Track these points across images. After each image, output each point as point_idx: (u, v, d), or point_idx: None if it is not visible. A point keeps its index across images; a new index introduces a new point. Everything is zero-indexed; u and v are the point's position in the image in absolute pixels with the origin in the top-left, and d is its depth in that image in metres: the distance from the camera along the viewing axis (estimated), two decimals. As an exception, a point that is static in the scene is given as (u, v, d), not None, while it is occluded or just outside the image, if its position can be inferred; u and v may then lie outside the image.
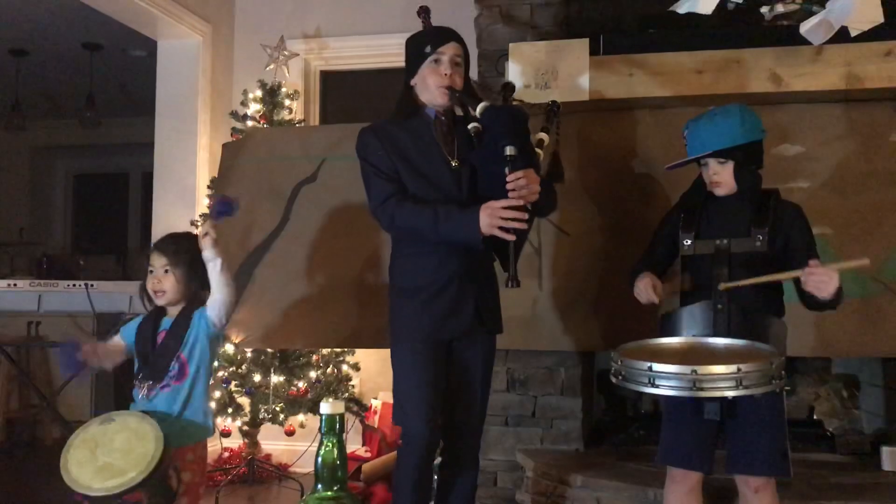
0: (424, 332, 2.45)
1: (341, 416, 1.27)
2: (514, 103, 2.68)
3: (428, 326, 2.45)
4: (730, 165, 2.43)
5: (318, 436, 1.30)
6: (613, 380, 2.16)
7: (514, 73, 3.18)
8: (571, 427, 3.36)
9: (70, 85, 6.33)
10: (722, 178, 2.44)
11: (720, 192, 2.47)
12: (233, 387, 4.29)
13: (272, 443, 4.57)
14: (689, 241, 2.47)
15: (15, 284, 4.42)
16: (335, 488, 1.27)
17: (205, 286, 2.55)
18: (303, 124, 4.64)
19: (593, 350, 3.44)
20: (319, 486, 1.27)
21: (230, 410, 4.30)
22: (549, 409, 3.38)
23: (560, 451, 3.33)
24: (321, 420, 1.26)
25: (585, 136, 3.34)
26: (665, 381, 2.01)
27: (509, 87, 2.70)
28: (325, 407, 1.26)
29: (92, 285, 4.20)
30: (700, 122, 2.48)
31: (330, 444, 1.26)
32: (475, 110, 2.43)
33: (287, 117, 4.52)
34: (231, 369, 4.30)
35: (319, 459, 1.27)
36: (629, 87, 3.15)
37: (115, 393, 5.68)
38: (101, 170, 8.21)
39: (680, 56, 3.12)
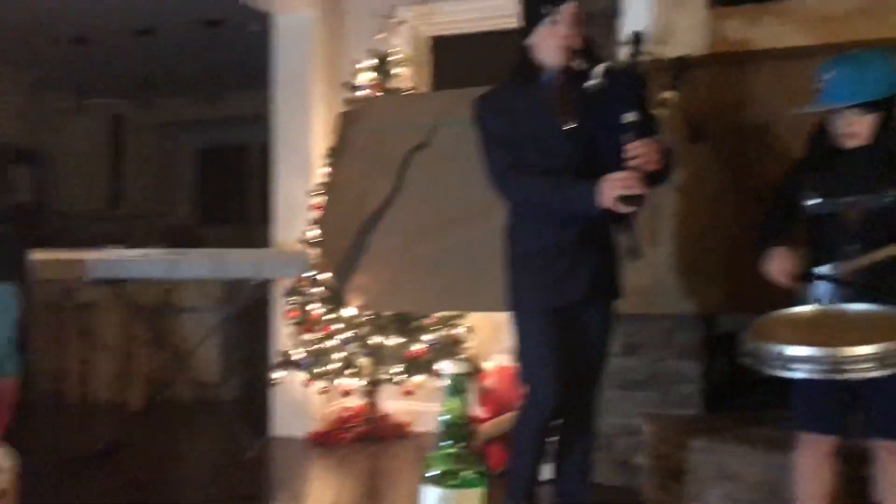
0: (543, 297, 2.46)
1: (465, 375, 1.30)
2: (643, 56, 2.55)
3: (546, 292, 2.45)
4: (871, 117, 2.27)
5: (441, 395, 1.33)
6: (745, 362, 2.09)
7: (630, 28, 3.09)
8: (690, 391, 3.30)
9: (192, 62, 6.60)
10: (858, 129, 2.28)
11: (852, 143, 2.32)
12: (352, 348, 4.42)
13: (391, 403, 4.70)
14: (815, 200, 2.35)
15: (148, 254, 4.68)
16: (459, 446, 1.29)
17: None
18: (414, 92, 4.67)
19: (714, 313, 3.36)
20: (444, 443, 1.30)
21: (350, 371, 4.44)
22: (668, 373, 3.33)
23: (679, 415, 3.28)
24: (445, 380, 1.28)
25: (704, 90, 3.22)
26: (801, 364, 1.92)
27: (638, 38, 2.53)
28: (449, 366, 1.28)
29: (219, 253, 4.41)
30: (846, 66, 2.28)
31: (454, 403, 1.29)
32: (594, 72, 2.38)
33: (398, 85, 4.57)
34: (351, 332, 4.43)
35: (443, 418, 1.30)
36: (750, 37, 3.02)
37: (245, 353, 5.98)
38: (221, 143, 8.56)
39: (805, 2, 2.96)
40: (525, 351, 2.49)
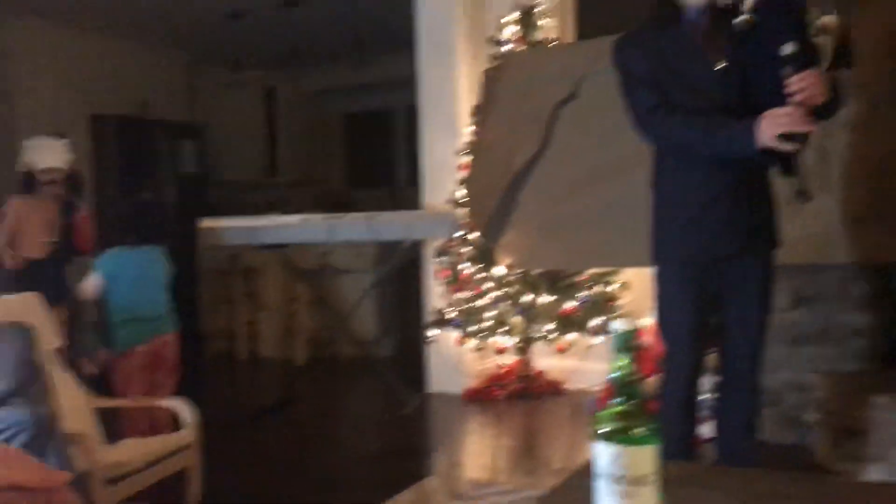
0: (691, 251, 2.35)
1: (634, 331, 1.28)
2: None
3: (695, 245, 2.35)
4: None
5: (610, 352, 1.31)
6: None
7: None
8: (865, 345, 3.10)
9: (337, 30, 6.75)
10: None
11: None
12: (505, 306, 4.45)
13: (545, 360, 4.71)
14: None
15: (308, 219, 4.89)
16: (630, 403, 1.28)
17: None
18: (559, 43, 4.58)
19: (893, 261, 3.12)
20: (615, 400, 1.29)
21: (504, 329, 4.47)
22: (841, 327, 3.14)
23: (855, 371, 3.09)
24: (615, 336, 1.27)
25: (875, 11, 2.96)
26: None
27: None
28: (619, 324, 1.27)
29: (372, 217, 4.54)
30: None
31: (624, 360, 1.27)
32: (744, 6, 2.23)
33: (543, 37, 4.49)
34: (502, 290, 4.45)
35: (614, 375, 1.29)
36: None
37: (398, 315, 6.17)
38: (368, 108, 8.75)
39: None
40: (663, 310, 2.40)
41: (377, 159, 8.59)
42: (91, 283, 3.35)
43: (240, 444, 3.99)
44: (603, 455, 1.23)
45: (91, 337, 3.49)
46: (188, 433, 2.87)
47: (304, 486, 3.36)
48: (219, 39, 7.07)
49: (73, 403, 2.79)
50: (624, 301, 4.48)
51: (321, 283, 5.95)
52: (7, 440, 1.92)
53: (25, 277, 4.13)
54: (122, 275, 3.35)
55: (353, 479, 3.46)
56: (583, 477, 1.37)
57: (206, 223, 4.86)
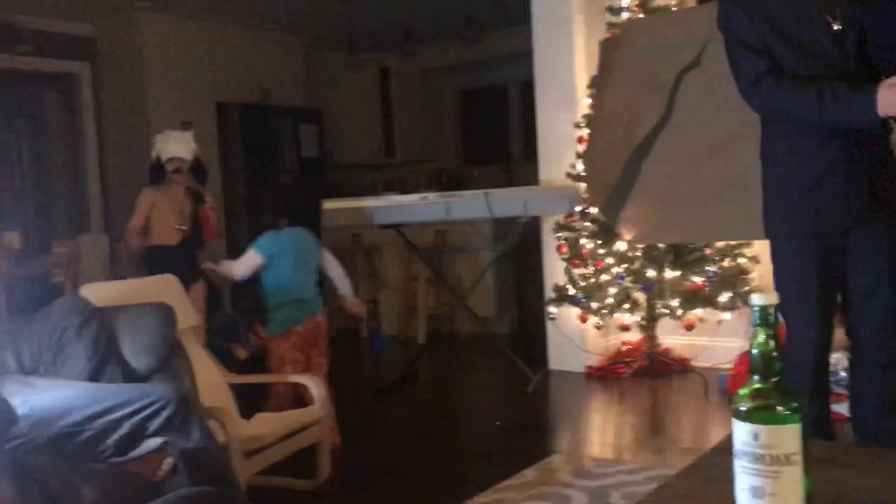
0: (807, 224, 2.23)
1: (775, 307, 1.22)
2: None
3: (810, 219, 2.22)
4: None
5: (749, 328, 1.26)
6: None
7: None
8: None
9: (450, 7, 6.76)
10: None
11: None
12: (627, 282, 4.37)
13: (671, 337, 4.60)
14: None
15: (427, 197, 4.94)
16: (771, 380, 1.23)
17: None
18: (680, 8, 4.42)
19: None
20: (755, 377, 1.24)
21: (627, 306, 4.40)
22: None
23: None
24: (754, 311, 1.22)
25: None
26: None
27: None
28: (758, 298, 1.21)
29: (489, 193, 4.53)
30: None
31: (764, 336, 1.22)
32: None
33: (663, 3, 4.34)
34: (625, 266, 4.38)
35: (754, 351, 1.24)
36: None
37: (516, 292, 6.17)
38: (482, 84, 8.74)
39: None
40: (783, 288, 2.26)
41: (492, 135, 8.57)
42: (246, 263, 3.40)
43: (368, 419, 4.10)
44: (743, 433, 1.19)
45: (246, 318, 3.61)
46: (319, 408, 2.98)
47: (432, 459, 3.42)
48: (334, 23, 7.21)
49: (211, 379, 2.94)
50: (755, 275, 4.31)
51: (440, 262, 6.02)
52: (154, 413, 2.04)
53: (160, 262, 4.38)
54: (282, 256, 3.39)
55: (479, 453, 3.49)
56: (721, 455, 1.33)
57: (328, 205, 4.98)
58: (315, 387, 3.00)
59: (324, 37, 7.92)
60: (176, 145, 4.50)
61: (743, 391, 1.23)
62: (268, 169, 7.47)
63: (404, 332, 6.29)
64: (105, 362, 2.32)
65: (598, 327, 4.58)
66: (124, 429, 2.01)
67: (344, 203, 5.24)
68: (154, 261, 4.38)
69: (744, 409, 1.20)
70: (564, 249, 4.60)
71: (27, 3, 6.17)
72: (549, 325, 4.78)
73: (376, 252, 6.54)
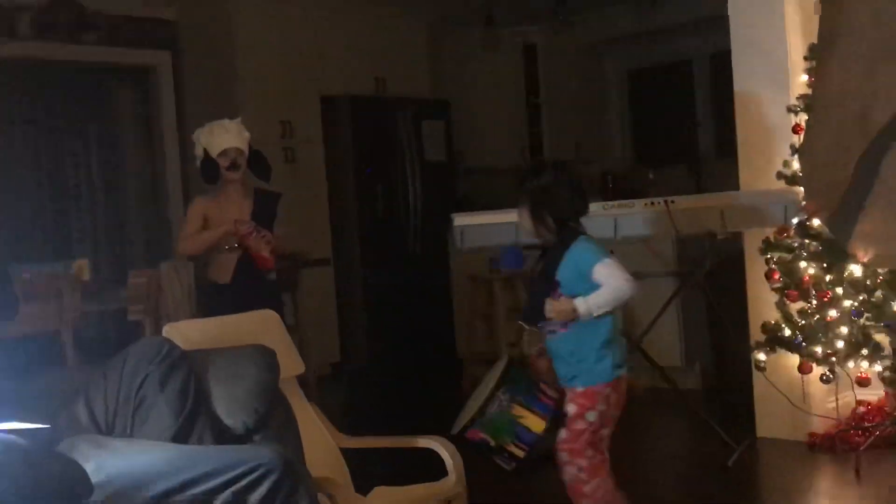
0: None
1: None
2: None
3: None
4: None
5: None
6: None
7: None
8: None
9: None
10: None
11: None
12: (865, 320, 4.28)
13: (927, 395, 4.42)
14: None
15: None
16: None
17: None
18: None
19: None
20: None
21: (865, 352, 4.29)
22: None
23: None
24: None
25: None
26: None
27: None
28: None
29: (672, 201, 4.44)
30: None
31: None
32: None
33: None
34: (861, 297, 4.28)
35: None
36: None
37: (710, 334, 6.01)
38: (658, 61, 8.64)
39: None
40: None
41: (673, 126, 8.48)
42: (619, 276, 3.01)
43: (510, 495, 4.07)
44: None
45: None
46: (454, 479, 2.97)
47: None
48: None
49: (320, 442, 3.00)
50: None
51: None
52: (254, 483, 2.09)
53: (225, 289, 4.53)
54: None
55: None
56: None
57: (458, 219, 5.02)
58: (449, 454, 3.01)
59: (453, 9, 8.04)
60: (226, 134, 4.60)
61: None
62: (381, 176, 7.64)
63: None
64: (194, 419, 2.41)
65: (824, 380, 4.44)
66: (218, 502, 2.07)
67: (479, 217, 5.26)
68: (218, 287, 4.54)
69: None
70: (776, 276, 4.52)
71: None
72: (757, 378, 4.69)
73: (520, 281, 6.54)
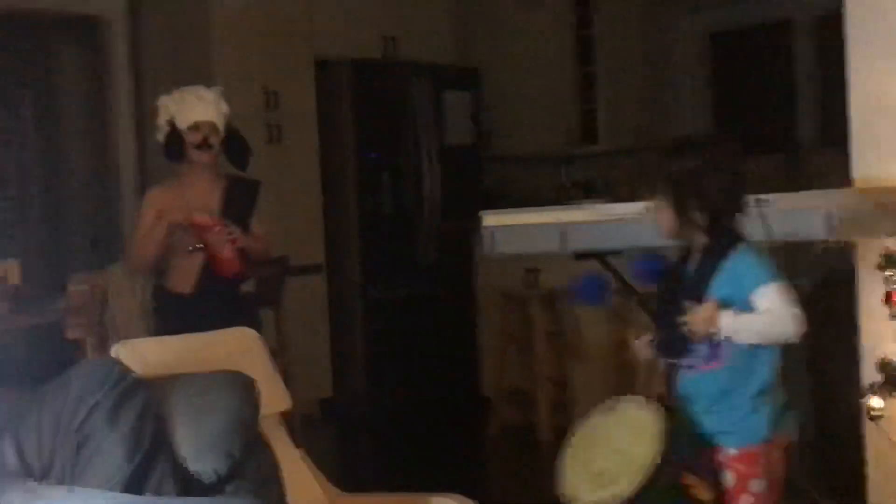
0: None
1: None
2: None
3: None
4: None
5: None
6: None
7: None
8: None
9: None
10: None
11: None
12: None
13: None
14: None
15: (652, 209, 4.88)
16: None
17: None
18: None
19: None
20: None
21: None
22: None
23: None
24: None
25: None
26: None
27: None
28: None
29: (762, 201, 4.44)
30: None
31: None
32: None
33: None
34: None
35: None
36: None
37: (809, 372, 5.98)
38: (746, 23, 8.61)
39: None
40: None
41: (764, 105, 8.47)
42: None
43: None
44: None
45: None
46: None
47: None
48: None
49: (308, 494, 2.99)
50: None
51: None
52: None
53: (184, 302, 4.54)
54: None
55: None
56: None
57: (489, 218, 5.01)
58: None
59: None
60: (200, 104, 4.59)
61: None
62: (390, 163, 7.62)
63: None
64: (151, 463, 2.40)
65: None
66: (181, 572, 2.07)
67: (514, 216, 5.24)
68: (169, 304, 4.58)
69: None
70: (897, 299, 4.48)
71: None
72: (870, 430, 4.63)
73: (563, 298, 6.51)
